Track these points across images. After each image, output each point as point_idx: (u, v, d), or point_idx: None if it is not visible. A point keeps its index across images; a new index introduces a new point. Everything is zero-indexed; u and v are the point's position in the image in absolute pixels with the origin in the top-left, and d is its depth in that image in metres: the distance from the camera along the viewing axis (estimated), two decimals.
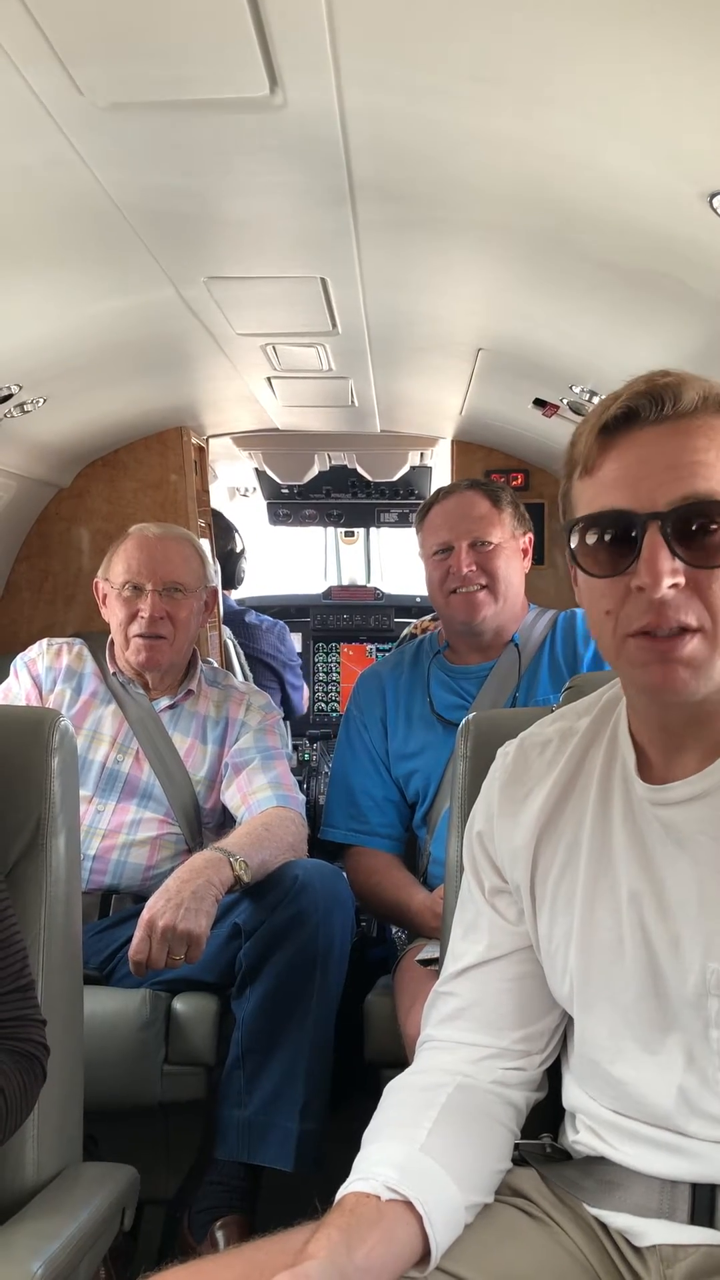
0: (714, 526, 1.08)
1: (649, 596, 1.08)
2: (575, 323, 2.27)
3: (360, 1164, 1.19)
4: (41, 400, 2.69)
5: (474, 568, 2.47)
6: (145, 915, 2.05)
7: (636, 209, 1.61)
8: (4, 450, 2.98)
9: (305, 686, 4.74)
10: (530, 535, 2.61)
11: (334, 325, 2.49)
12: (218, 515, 4.35)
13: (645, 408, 1.11)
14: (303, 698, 4.68)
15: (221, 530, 4.33)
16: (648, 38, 1.18)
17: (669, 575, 1.07)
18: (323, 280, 2.18)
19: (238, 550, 4.46)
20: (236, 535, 4.43)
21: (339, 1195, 1.15)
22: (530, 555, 2.62)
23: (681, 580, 1.08)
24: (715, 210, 1.44)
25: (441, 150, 1.56)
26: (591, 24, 1.17)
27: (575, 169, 1.55)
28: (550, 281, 2.08)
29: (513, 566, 2.53)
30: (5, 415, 2.64)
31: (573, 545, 1.15)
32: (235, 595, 4.77)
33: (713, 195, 1.42)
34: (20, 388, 2.56)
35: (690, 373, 1.14)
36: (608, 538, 1.12)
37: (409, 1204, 1.12)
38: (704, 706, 1.14)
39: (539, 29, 1.19)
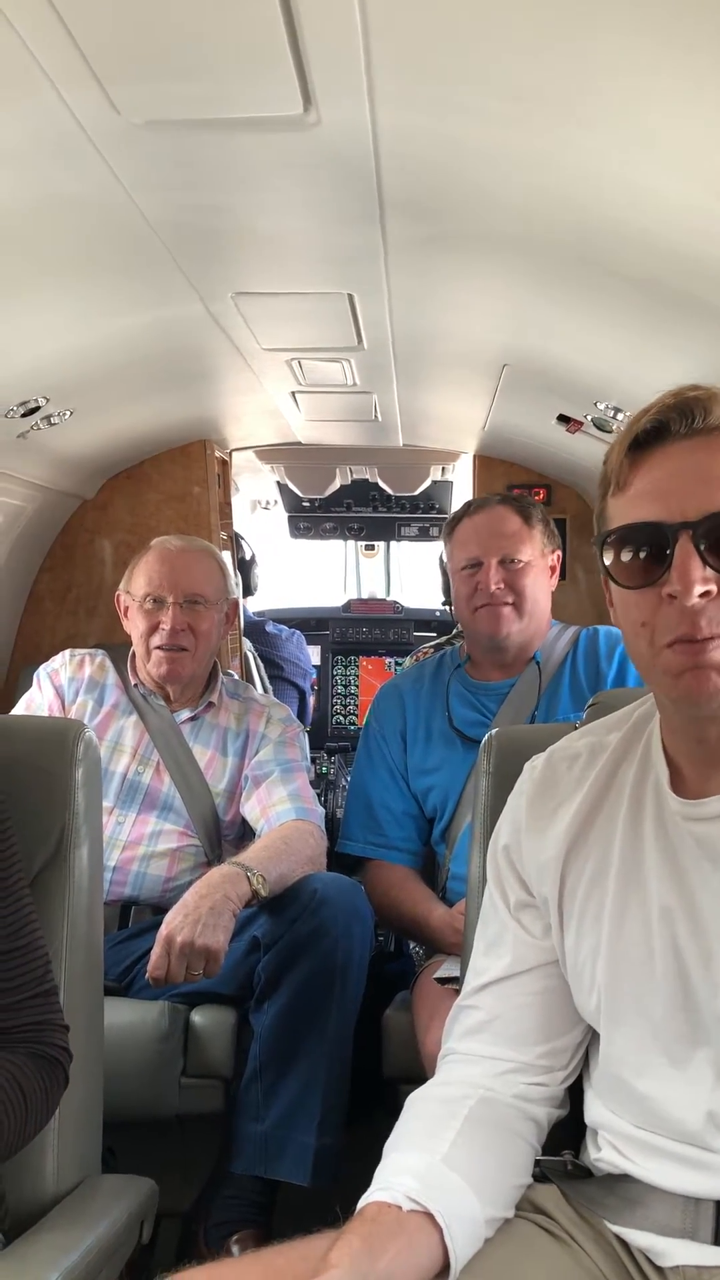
0: None
1: (681, 604, 1.08)
2: (601, 339, 2.28)
3: (382, 1173, 1.19)
4: (68, 413, 2.71)
5: (502, 585, 2.46)
6: (163, 931, 2.05)
7: (664, 227, 1.61)
8: (30, 462, 3.00)
9: (312, 697, 4.78)
10: (558, 553, 2.61)
11: (360, 341, 2.50)
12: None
13: (675, 422, 1.12)
14: (310, 707, 4.71)
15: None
16: (679, 56, 1.19)
17: (700, 583, 1.08)
18: (350, 296, 2.19)
19: (247, 558, 4.49)
20: (244, 544, 4.47)
21: (360, 1204, 1.15)
22: (558, 572, 2.62)
23: (714, 589, 1.08)
24: None
25: (471, 168, 1.57)
26: (623, 43, 1.18)
27: (605, 187, 1.55)
28: (576, 298, 2.08)
29: (540, 585, 2.52)
30: (32, 427, 2.66)
31: (606, 561, 1.16)
32: (254, 607, 4.80)
33: None
34: (48, 400, 2.58)
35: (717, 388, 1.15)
36: (640, 551, 1.12)
37: (430, 1216, 1.12)
38: None
39: (571, 48, 1.20)
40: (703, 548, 1.08)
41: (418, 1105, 1.29)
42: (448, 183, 1.62)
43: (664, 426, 1.12)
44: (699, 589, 1.08)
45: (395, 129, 1.42)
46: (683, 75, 1.22)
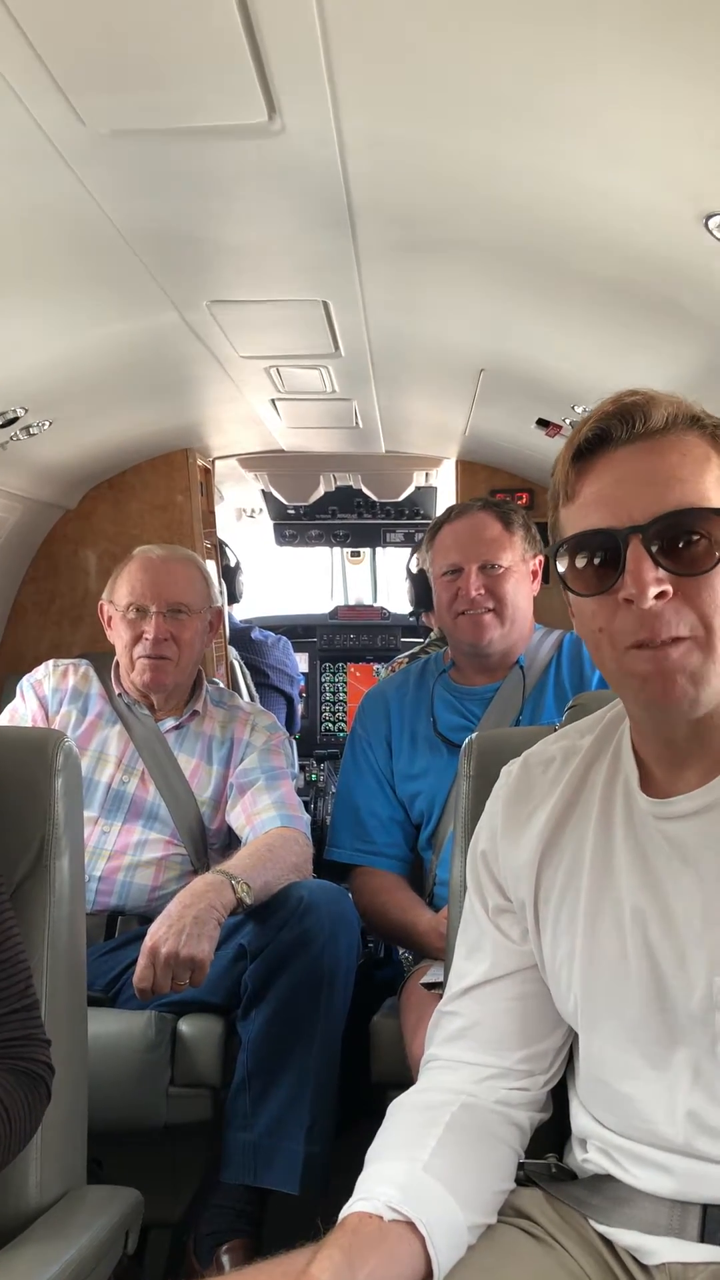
0: (696, 536, 1.09)
1: (638, 608, 1.09)
2: (576, 344, 2.28)
3: (363, 1183, 1.19)
4: (47, 423, 2.71)
5: (482, 591, 2.46)
6: (148, 942, 2.05)
7: (635, 231, 1.62)
8: (10, 473, 3.00)
9: (300, 704, 4.78)
10: (541, 557, 2.60)
11: (336, 347, 2.50)
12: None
13: (616, 428, 1.12)
14: (298, 714, 4.72)
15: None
16: (644, 61, 1.20)
17: (654, 584, 1.08)
18: (325, 303, 2.19)
19: (232, 565, 4.49)
20: (229, 551, 4.47)
21: (341, 1215, 1.15)
22: (540, 577, 2.61)
23: (669, 590, 1.08)
24: (712, 233, 1.45)
25: (440, 174, 1.57)
26: (587, 48, 1.18)
27: (573, 191, 1.56)
28: (550, 303, 2.09)
29: (521, 590, 2.52)
30: (11, 438, 2.66)
31: (561, 570, 1.17)
32: (242, 615, 4.80)
33: (709, 217, 1.43)
34: (26, 410, 2.58)
35: (658, 391, 1.15)
36: (594, 559, 1.13)
37: (411, 1224, 1.12)
38: (708, 719, 1.14)
39: (530, 52, 1.21)
40: (654, 549, 1.09)
41: (399, 1113, 1.29)
42: (416, 189, 1.63)
43: (606, 434, 1.13)
44: (653, 590, 1.08)
45: (360, 135, 1.43)
46: (645, 78, 1.23)
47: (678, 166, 1.40)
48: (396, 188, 1.63)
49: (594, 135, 1.39)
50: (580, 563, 1.14)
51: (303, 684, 4.93)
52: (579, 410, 2.63)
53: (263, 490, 4.70)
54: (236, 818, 2.52)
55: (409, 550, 5.29)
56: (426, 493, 4.75)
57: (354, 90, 1.31)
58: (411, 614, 4.25)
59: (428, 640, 2.99)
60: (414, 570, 4.10)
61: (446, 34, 1.19)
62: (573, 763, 1.32)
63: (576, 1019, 1.27)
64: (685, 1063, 1.17)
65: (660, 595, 1.08)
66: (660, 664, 1.09)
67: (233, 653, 4.16)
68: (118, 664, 2.67)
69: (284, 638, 4.67)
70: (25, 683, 2.72)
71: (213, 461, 4.04)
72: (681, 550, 1.09)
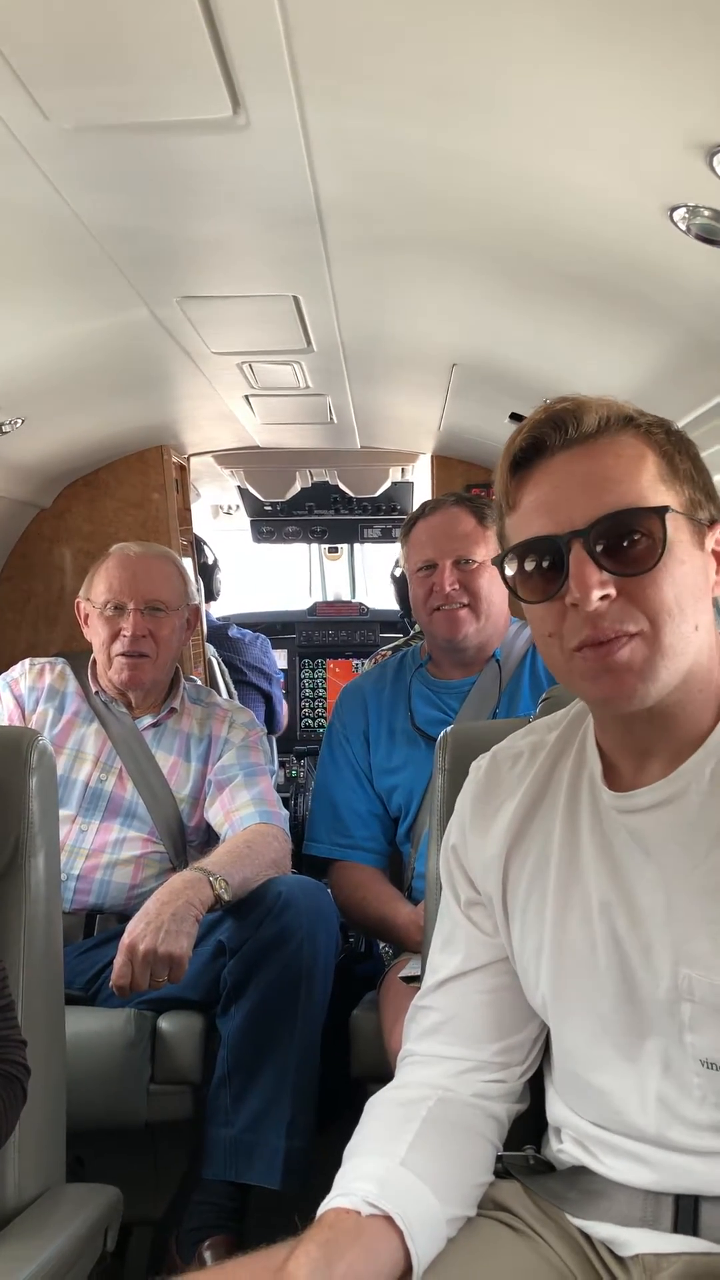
0: (636, 536, 1.10)
1: (583, 611, 1.10)
2: (547, 337, 2.29)
3: (340, 1180, 1.19)
4: (19, 421, 2.69)
5: (457, 586, 2.47)
6: (125, 940, 2.04)
7: (601, 224, 1.62)
8: None
9: (285, 703, 4.77)
10: None
11: (309, 343, 2.50)
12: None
13: (549, 435, 1.14)
14: (283, 712, 4.70)
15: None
16: (605, 54, 1.20)
17: (598, 587, 1.09)
18: (295, 298, 2.19)
19: (210, 563, 4.48)
20: (206, 548, 4.46)
21: (319, 1211, 1.15)
22: None
23: (612, 592, 1.10)
24: (675, 224, 1.46)
25: (406, 168, 1.57)
26: (549, 41, 1.18)
27: (539, 185, 1.56)
28: (521, 296, 2.09)
29: (496, 585, 2.52)
30: None
31: (508, 576, 1.18)
32: (221, 612, 4.79)
33: (672, 209, 1.44)
34: None
35: (590, 396, 1.17)
36: (538, 564, 1.14)
37: (389, 1219, 1.13)
38: (665, 710, 1.15)
39: (496, 46, 1.21)
40: (599, 550, 1.10)
41: (376, 1109, 1.30)
42: (383, 183, 1.63)
43: (540, 442, 1.15)
44: (597, 593, 1.09)
45: (326, 129, 1.43)
46: (610, 73, 1.23)
47: (642, 159, 1.40)
48: (363, 182, 1.63)
49: (559, 129, 1.39)
50: (526, 570, 1.16)
51: (282, 680, 4.92)
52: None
53: (239, 487, 4.68)
54: (215, 814, 2.52)
55: (385, 545, 5.31)
56: (403, 488, 4.76)
57: (318, 85, 1.30)
58: (403, 615, 4.25)
59: (412, 634, 3.00)
60: (396, 575, 4.12)
61: (410, 29, 1.19)
62: (539, 757, 1.33)
63: (546, 1011, 1.28)
64: (655, 1053, 1.18)
65: (605, 598, 1.09)
66: (607, 662, 1.11)
67: (211, 650, 4.15)
68: (94, 662, 2.66)
69: (262, 635, 4.66)
70: (1, 682, 2.70)
71: (188, 458, 4.02)
72: (624, 550, 1.10)
